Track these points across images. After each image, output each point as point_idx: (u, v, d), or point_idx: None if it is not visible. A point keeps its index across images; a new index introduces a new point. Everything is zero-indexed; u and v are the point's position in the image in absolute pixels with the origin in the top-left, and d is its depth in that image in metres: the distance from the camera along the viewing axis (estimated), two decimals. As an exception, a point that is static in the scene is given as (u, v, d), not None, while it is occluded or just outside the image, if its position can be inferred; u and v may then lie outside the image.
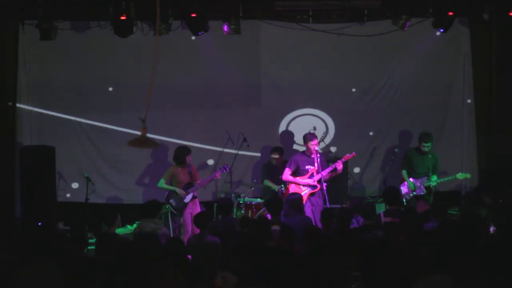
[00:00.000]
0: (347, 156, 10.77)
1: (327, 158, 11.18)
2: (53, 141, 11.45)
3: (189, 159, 10.83)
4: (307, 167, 10.55)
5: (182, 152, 10.84)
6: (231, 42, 11.64)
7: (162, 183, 10.81)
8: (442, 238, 7.00)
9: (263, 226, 8.05)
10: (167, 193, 10.73)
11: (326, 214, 8.58)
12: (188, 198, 10.70)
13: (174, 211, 10.73)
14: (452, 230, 7.30)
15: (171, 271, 6.37)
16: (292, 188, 10.52)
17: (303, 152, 10.73)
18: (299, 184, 10.53)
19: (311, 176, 10.51)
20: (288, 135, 12.24)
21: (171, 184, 10.78)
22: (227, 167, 11.01)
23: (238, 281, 6.00)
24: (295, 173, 10.60)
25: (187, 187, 10.71)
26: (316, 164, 10.46)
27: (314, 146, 10.49)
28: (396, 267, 6.31)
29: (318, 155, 10.50)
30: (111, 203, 11.91)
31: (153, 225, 8.45)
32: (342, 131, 12.26)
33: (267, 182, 11.23)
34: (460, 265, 6.39)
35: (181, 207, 10.68)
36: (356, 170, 12.26)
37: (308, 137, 10.61)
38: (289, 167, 10.62)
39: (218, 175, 10.87)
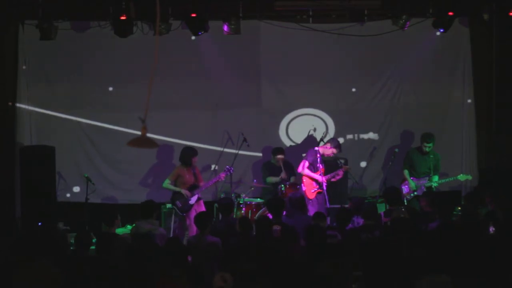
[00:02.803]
0: (346, 167, 11.04)
1: (328, 158, 11.24)
2: (53, 141, 11.47)
3: (195, 160, 10.78)
4: (318, 165, 10.66)
5: (188, 153, 10.78)
6: (231, 42, 11.63)
7: (167, 184, 10.73)
8: (442, 239, 7.01)
9: (264, 226, 8.05)
10: (172, 194, 10.71)
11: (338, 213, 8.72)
12: (193, 199, 10.64)
13: (180, 212, 10.67)
14: (452, 230, 7.30)
15: (172, 272, 6.37)
16: (306, 183, 10.64)
17: (317, 150, 10.80)
18: (313, 179, 10.62)
19: (320, 175, 10.66)
20: (290, 135, 12.27)
21: (175, 185, 10.72)
22: (231, 169, 10.96)
23: (238, 280, 5.99)
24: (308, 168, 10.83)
25: (192, 188, 10.67)
26: (322, 165, 10.70)
27: (330, 150, 10.82)
28: (396, 267, 6.32)
29: (319, 155, 10.61)
30: (111, 203, 11.90)
31: (150, 226, 8.42)
32: (342, 131, 12.26)
33: (270, 179, 11.26)
34: (460, 265, 6.40)
35: (187, 209, 10.62)
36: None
37: (333, 142, 10.91)
38: (308, 159, 10.82)
39: (222, 176, 10.84)
